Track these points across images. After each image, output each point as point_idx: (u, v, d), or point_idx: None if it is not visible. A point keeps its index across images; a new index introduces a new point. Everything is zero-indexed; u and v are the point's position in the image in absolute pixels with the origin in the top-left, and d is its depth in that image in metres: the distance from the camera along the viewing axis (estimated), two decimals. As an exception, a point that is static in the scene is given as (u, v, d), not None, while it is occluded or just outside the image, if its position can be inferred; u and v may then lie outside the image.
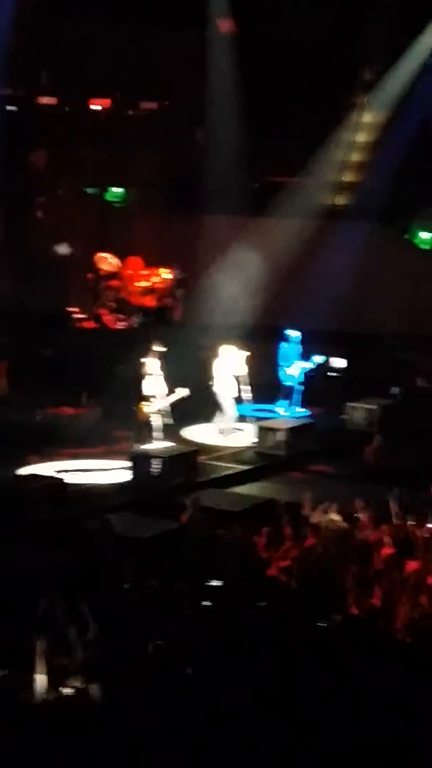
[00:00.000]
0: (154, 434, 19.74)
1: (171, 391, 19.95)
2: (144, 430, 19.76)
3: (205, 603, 11.98)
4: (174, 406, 19.98)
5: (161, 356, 20.16)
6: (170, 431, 20.09)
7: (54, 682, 9.66)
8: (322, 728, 8.95)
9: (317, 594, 12.26)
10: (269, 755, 8.70)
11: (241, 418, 21.49)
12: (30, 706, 9.27)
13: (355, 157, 28.00)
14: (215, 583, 12.62)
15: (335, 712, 9.21)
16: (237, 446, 20.96)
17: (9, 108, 27.00)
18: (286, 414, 22.35)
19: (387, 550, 13.32)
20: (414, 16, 26.24)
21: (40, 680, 9.73)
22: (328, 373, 23.86)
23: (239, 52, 26.38)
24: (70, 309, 26.09)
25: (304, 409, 22.61)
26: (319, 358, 22.68)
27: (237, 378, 21.30)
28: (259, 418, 21.47)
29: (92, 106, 27.51)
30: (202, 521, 15.24)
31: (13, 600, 11.79)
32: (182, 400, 20.09)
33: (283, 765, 8.69)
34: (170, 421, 20.00)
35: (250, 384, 21.35)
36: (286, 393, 22.67)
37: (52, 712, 9.29)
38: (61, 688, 9.70)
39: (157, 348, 20.18)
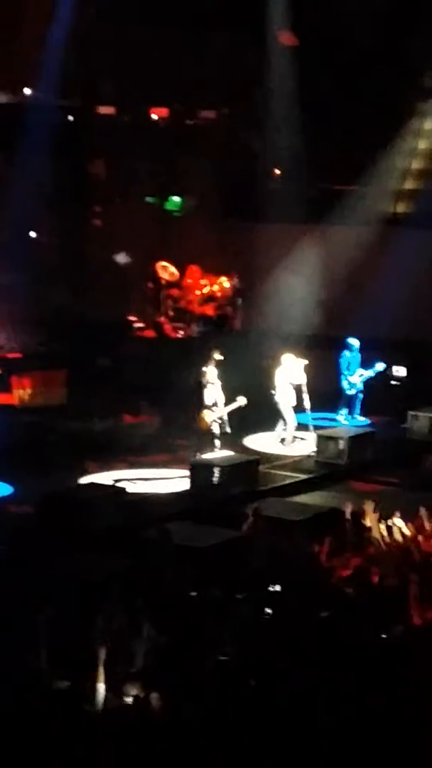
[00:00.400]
0: (215, 443, 19.73)
1: (230, 400, 19.93)
2: (205, 439, 19.76)
3: (266, 611, 11.94)
4: (231, 414, 19.96)
5: (220, 365, 20.15)
6: (229, 440, 20.08)
7: (115, 691, 9.66)
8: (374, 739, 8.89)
9: (379, 604, 12.19)
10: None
11: (302, 427, 21.42)
12: (91, 714, 9.22)
13: (416, 164, 27.93)
14: (275, 588, 12.51)
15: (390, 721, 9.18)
16: (297, 455, 20.92)
17: (68, 118, 27.14)
18: (347, 423, 22.38)
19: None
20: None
21: (101, 689, 9.74)
22: (390, 382, 23.81)
23: (297, 59, 26.39)
24: (129, 317, 26.14)
25: (364, 418, 22.65)
26: (380, 366, 22.63)
27: (297, 386, 21.27)
28: (319, 427, 21.43)
29: (151, 116, 27.48)
30: (262, 530, 15.19)
31: (75, 608, 11.83)
32: (240, 408, 20.08)
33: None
34: (228, 429, 19.99)
35: (310, 392, 21.31)
36: (347, 401, 22.66)
37: (113, 720, 9.26)
38: (121, 697, 9.70)
39: (218, 357, 20.16)
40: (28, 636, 11.08)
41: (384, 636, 11.10)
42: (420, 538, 14.18)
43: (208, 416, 19.74)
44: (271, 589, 12.59)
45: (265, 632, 11.51)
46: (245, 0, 26.10)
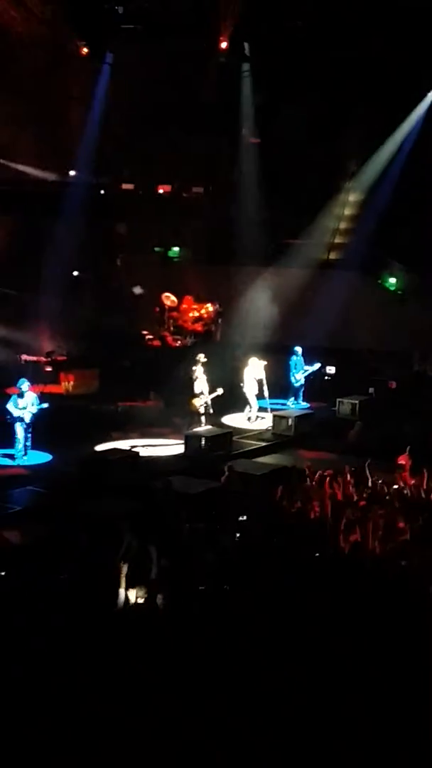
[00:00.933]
0: (202, 420, 19.73)
1: (212, 390, 19.95)
2: (195, 417, 19.76)
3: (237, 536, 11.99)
4: (213, 400, 19.97)
5: (205, 365, 20.17)
6: (211, 418, 20.04)
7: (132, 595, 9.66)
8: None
9: (316, 532, 12.22)
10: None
11: (262, 409, 21.41)
12: (115, 611, 9.20)
13: (343, 225, 27.83)
14: (243, 520, 12.54)
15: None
16: (259, 429, 20.86)
17: (100, 192, 27.08)
18: (294, 406, 22.23)
19: (362, 502, 13.27)
20: (386, 125, 26.18)
21: (122, 593, 9.73)
22: (324, 377, 23.75)
23: (260, 152, 26.39)
24: (143, 332, 26.14)
25: (306, 403, 22.46)
26: (317, 366, 22.58)
27: (259, 381, 21.28)
28: (274, 409, 21.36)
29: (158, 191, 27.43)
30: (235, 481, 15.22)
31: (103, 538, 11.84)
32: (219, 396, 20.09)
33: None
34: (211, 411, 20.00)
35: (268, 385, 21.33)
36: (294, 391, 22.57)
37: (130, 615, 9.25)
38: (136, 599, 9.69)
39: (203, 359, 20.18)
40: (70, 556, 11.17)
41: (317, 555, 11.17)
42: (350, 486, 14.21)
43: (197, 401, 19.75)
44: (240, 520, 12.63)
45: (237, 551, 11.57)
46: (225, 113, 26.12)
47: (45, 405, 17.58)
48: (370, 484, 14.18)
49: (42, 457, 17.65)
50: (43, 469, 17.19)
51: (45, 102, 25.33)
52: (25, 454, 17.41)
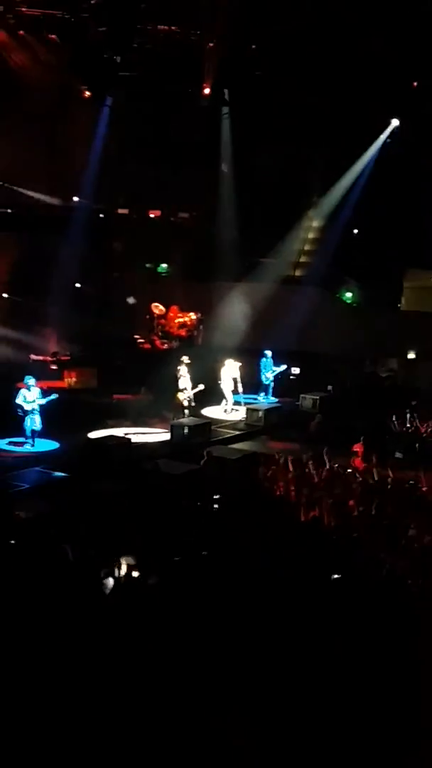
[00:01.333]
0: (185, 412, 19.82)
1: (195, 386, 20.03)
2: (178, 410, 19.83)
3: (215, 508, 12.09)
4: (195, 395, 20.04)
5: (188, 365, 20.24)
6: (193, 410, 20.12)
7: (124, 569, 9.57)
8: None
9: (280, 506, 12.35)
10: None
11: (237, 403, 21.51)
12: (113, 586, 9.08)
13: (307, 246, 27.99)
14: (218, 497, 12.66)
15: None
16: (234, 420, 20.97)
17: (100, 215, 27.05)
18: (264, 401, 22.29)
19: (320, 483, 13.42)
20: (344, 162, 26.34)
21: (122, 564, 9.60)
22: (290, 376, 23.82)
23: (236, 182, 26.46)
24: (135, 336, 26.15)
25: (274, 398, 22.49)
26: (283, 367, 22.64)
27: (234, 379, 21.36)
28: (247, 403, 21.48)
29: (149, 215, 27.44)
30: (213, 465, 15.34)
31: (99, 513, 11.89)
32: (200, 391, 20.17)
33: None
34: (193, 404, 20.07)
35: (242, 382, 21.43)
36: (264, 388, 22.62)
37: (124, 586, 9.15)
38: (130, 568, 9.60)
39: (187, 360, 20.25)
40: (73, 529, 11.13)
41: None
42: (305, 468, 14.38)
43: (181, 396, 19.84)
44: (216, 497, 12.77)
45: (213, 521, 11.66)
46: (207, 149, 26.18)
47: (54, 396, 17.53)
48: (327, 467, 14.36)
49: (50, 445, 17.61)
50: (50, 453, 17.18)
51: (52, 137, 25.35)
52: (33, 443, 17.35)
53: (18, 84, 23.66)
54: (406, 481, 13.56)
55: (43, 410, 17.44)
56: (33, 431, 17.35)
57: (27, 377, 17.69)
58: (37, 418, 17.32)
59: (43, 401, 17.32)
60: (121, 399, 21.86)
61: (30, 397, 17.31)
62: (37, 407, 17.27)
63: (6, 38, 23.08)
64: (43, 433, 17.63)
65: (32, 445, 17.31)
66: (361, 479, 13.84)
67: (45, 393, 17.67)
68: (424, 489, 13.06)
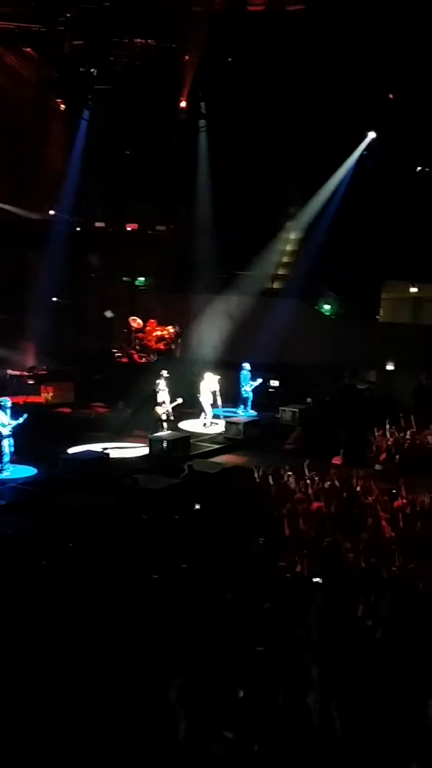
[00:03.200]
0: (164, 426, 19.75)
1: (173, 399, 19.99)
2: (157, 423, 19.76)
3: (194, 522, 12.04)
4: (174, 409, 20.00)
5: (167, 379, 20.19)
6: (172, 424, 20.06)
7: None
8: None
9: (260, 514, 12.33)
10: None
11: (216, 417, 21.49)
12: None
13: (285, 258, 28.08)
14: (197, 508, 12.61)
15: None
16: (213, 433, 20.94)
17: (76, 229, 27.01)
18: (243, 414, 22.24)
19: (299, 495, 13.39)
20: (320, 175, 26.49)
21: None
22: (268, 389, 23.80)
23: (214, 196, 26.53)
24: (113, 350, 26.08)
25: (253, 411, 22.44)
26: (261, 380, 22.59)
27: (213, 392, 21.35)
28: (226, 417, 21.46)
29: (127, 228, 27.43)
30: (192, 478, 15.27)
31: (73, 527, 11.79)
32: (179, 405, 20.13)
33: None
34: (172, 418, 20.02)
35: (221, 396, 21.41)
36: (243, 401, 22.58)
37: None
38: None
39: (165, 374, 20.21)
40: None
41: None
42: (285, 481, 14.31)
43: (159, 410, 19.80)
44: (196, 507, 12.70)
45: (191, 530, 11.60)
46: (184, 162, 26.25)
47: (24, 417, 16.65)
48: (308, 480, 14.32)
49: (27, 471, 16.89)
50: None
51: (28, 151, 25.33)
52: (8, 468, 16.62)
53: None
54: (388, 491, 13.55)
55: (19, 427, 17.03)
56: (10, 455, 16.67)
57: (3, 399, 16.91)
58: (9, 441, 16.62)
59: (14, 423, 16.61)
60: (99, 413, 21.80)
61: (5, 420, 16.58)
62: (10, 430, 16.60)
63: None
64: (19, 453, 17.02)
65: (9, 472, 16.59)
66: (342, 490, 13.77)
67: (14, 412, 16.91)
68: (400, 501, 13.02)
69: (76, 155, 25.59)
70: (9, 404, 16.84)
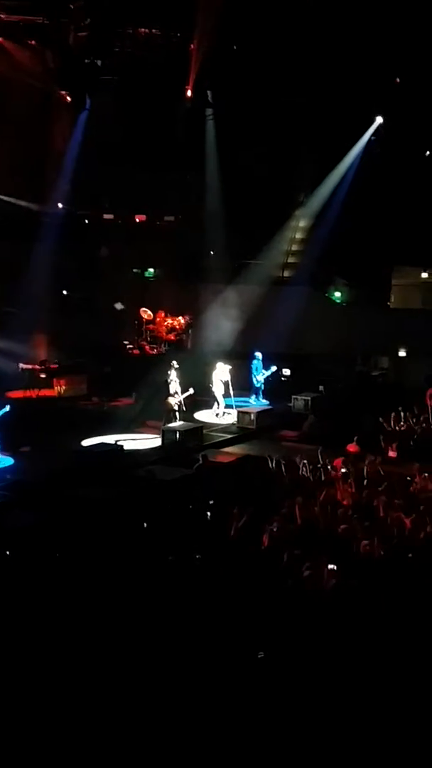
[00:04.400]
0: (176, 416, 19.77)
1: (185, 390, 20.00)
2: (170, 414, 19.79)
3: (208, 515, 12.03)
4: (185, 399, 20.01)
5: (177, 369, 20.20)
6: (184, 415, 20.08)
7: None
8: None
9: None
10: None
11: (228, 407, 21.49)
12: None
13: (294, 247, 27.99)
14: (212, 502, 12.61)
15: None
16: (226, 423, 20.96)
17: (84, 221, 26.97)
18: (255, 403, 22.24)
19: (311, 484, 13.39)
20: (329, 162, 26.39)
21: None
22: (281, 378, 23.80)
23: (223, 186, 26.48)
24: (124, 342, 26.10)
25: (266, 401, 22.45)
26: (274, 368, 22.60)
27: (225, 382, 21.36)
28: (239, 406, 21.45)
29: (135, 219, 27.40)
30: (206, 469, 15.29)
31: (93, 519, 11.82)
32: (190, 396, 20.14)
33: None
34: (183, 408, 20.03)
35: (233, 385, 21.40)
36: (255, 390, 22.60)
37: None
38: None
39: (176, 365, 20.22)
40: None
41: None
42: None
43: (171, 401, 19.83)
44: (210, 502, 12.70)
45: (206, 522, 11.59)
46: (192, 152, 26.20)
47: (7, 409, 16.75)
48: (320, 466, 14.32)
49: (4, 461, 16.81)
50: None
51: (35, 143, 25.26)
52: None
53: (1, 92, 23.67)
54: (404, 478, 13.55)
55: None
56: None
57: None
58: None
59: None
60: (112, 405, 21.83)
61: None
62: None
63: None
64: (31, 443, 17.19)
65: None
66: (354, 477, 13.76)
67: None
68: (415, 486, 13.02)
69: (81, 147, 25.48)
70: None
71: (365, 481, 13.35)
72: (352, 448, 16.35)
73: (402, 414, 18.34)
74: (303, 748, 6.30)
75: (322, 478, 13.73)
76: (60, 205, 26.53)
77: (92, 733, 6.52)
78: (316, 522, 11.16)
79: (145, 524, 11.13)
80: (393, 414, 18.26)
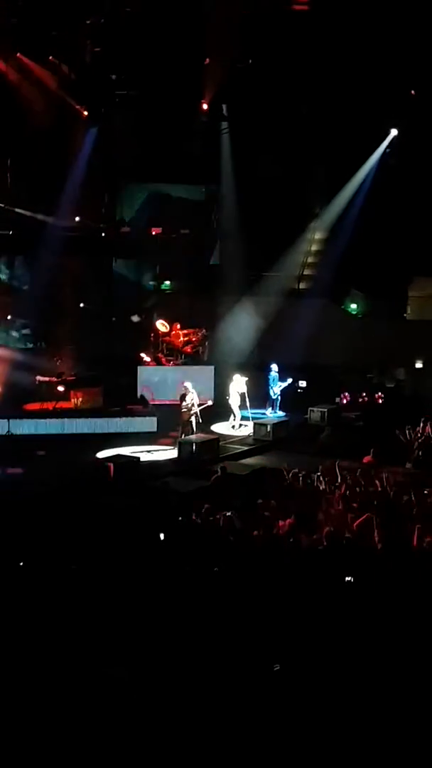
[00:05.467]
0: (193, 428, 19.77)
1: (201, 402, 20.01)
2: (186, 426, 19.80)
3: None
4: (202, 411, 20.03)
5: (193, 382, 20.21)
6: (201, 427, 20.06)
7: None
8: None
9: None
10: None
11: (245, 418, 21.50)
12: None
13: (310, 259, 28.01)
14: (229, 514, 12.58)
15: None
16: (242, 435, 20.97)
17: (102, 234, 27.03)
18: (272, 415, 22.21)
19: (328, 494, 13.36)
20: (344, 173, 26.45)
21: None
22: (297, 390, 23.76)
23: (237, 200, 26.57)
24: (141, 354, 26.13)
25: (282, 412, 22.41)
26: (290, 380, 22.60)
27: (242, 394, 21.36)
28: (255, 418, 21.46)
29: (152, 233, 27.52)
30: (223, 480, 15.29)
31: (109, 529, 11.86)
32: (208, 407, 20.15)
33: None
34: (200, 420, 20.04)
35: (249, 397, 21.41)
36: (272, 402, 22.56)
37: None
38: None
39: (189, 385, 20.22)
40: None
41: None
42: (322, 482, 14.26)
43: (187, 413, 19.84)
44: (228, 514, 12.67)
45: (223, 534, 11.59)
46: (207, 165, 26.34)
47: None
48: (339, 480, 14.28)
49: None
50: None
51: (52, 156, 25.42)
52: None
53: (17, 105, 23.89)
54: (423, 491, 13.50)
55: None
56: None
57: None
58: None
59: None
60: (128, 418, 21.85)
61: None
62: None
63: (4, 61, 23.31)
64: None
65: None
66: (375, 490, 13.73)
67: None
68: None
69: (90, 159, 25.58)
70: None
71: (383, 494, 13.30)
72: (368, 460, 16.33)
73: (421, 425, 18.25)
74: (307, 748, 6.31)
75: (341, 491, 13.67)
76: (77, 219, 26.66)
77: (100, 738, 6.56)
78: (335, 534, 11.13)
79: (162, 535, 11.14)
80: (409, 426, 18.22)
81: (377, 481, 13.83)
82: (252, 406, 21.50)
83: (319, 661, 7.40)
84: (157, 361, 25.76)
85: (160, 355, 25.91)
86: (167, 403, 21.84)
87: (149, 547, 10.66)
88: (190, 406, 19.77)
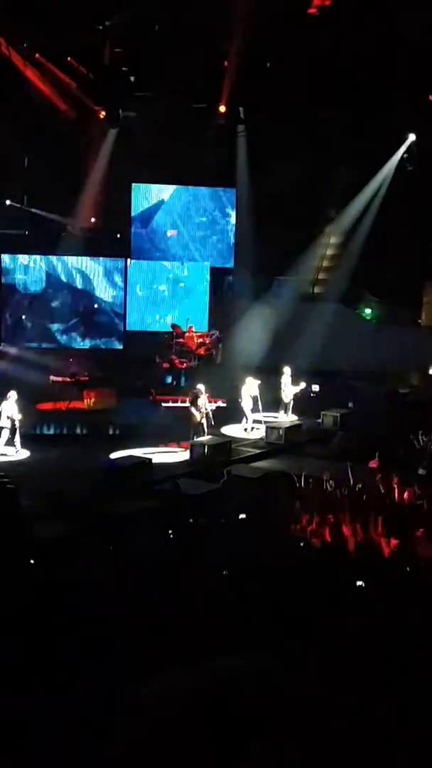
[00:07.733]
0: (204, 430, 19.75)
1: (213, 401, 19.97)
2: (198, 428, 19.78)
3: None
4: (214, 413, 19.98)
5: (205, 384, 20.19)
6: (213, 429, 20.00)
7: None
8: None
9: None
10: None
11: (257, 421, 21.46)
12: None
13: (325, 263, 27.99)
14: (242, 516, 12.55)
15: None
16: (254, 438, 20.89)
17: (117, 236, 27.05)
18: (284, 419, 22.16)
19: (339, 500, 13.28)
20: (361, 178, 26.42)
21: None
22: (310, 394, 23.70)
23: (253, 200, 26.55)
24: (155, 357, 26.18)
25: (294, 416, 22.33)
26: (302, 385, 22.57)
27: (254, 397, 21.30)
28: (267, 421, 21.42)
29: (168, 234, 27.51)
30: (234, 484, 15.24)
31: (119, 531, 11.84)
32: (219, 409, 20.09)
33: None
34: (212, 422, 20.00)
35: (262, 400, 21.37)
36: (284, 406, 22.50)
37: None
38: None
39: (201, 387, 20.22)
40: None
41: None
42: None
43: (198, 415, 19.80)
44: (241, 516, 12.63)
45: (234, 540, 11.53)
46: (223, 167, 26.32)
47: None
48: (351, 485, 14.21)
49: None
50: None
51: (70, 158, 25.51)
52: None
53: (34, 106, 23.96)
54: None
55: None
56: None
57: None
58: None
59: None
60: (141, 418, 21.88)
61: None
62: None
63: (23, 63, 23.39)
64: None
65: None
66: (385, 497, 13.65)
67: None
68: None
69: (114, 162, 25.69)
70: None
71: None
72: (373, 464, 16.23)
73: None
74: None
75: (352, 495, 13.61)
76: (93, 220, 26.70)
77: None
78: (346, 540, 11.07)
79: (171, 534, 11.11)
80: (422, 431, 18.11)
81: (389, 486, 13.75)
82: (264, 409, 21.41)
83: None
84: (170, 363, 25.79)
85: (173, 357, 25.93)
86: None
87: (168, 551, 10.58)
88: (201, 408, 19.73)
